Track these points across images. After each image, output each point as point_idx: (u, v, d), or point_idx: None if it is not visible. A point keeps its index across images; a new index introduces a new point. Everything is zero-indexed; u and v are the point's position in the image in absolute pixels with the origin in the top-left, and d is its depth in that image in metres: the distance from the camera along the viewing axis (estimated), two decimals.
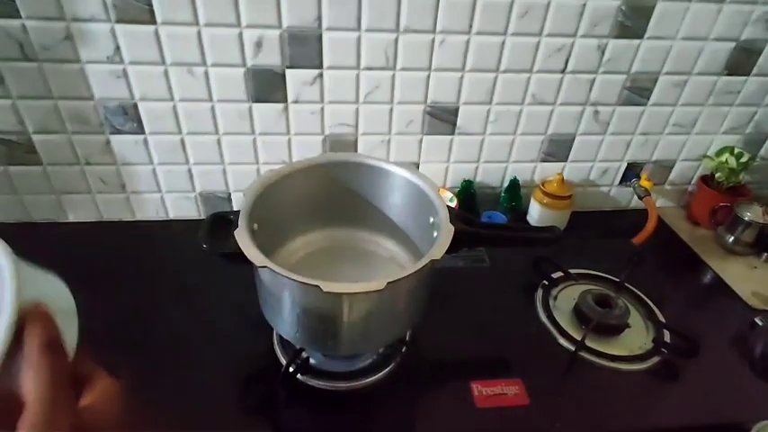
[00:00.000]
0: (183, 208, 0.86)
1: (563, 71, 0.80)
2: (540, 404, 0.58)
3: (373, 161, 0.63)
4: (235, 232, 0.49)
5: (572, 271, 0.77)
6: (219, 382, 0.58)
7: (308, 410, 0.57)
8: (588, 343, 0.64)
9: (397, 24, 0.71)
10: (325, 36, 0.71)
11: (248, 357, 0.62)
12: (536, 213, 0.89)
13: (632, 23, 0.76)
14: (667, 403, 0.59)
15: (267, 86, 0.74)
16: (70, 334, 0.29)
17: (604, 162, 0.92)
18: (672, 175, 0.96)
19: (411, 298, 0.54)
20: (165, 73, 0.71)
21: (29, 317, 0.24)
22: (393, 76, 0.76)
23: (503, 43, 0.75)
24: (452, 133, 0.84)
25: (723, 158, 0.88)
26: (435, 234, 0.55)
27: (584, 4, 0.73)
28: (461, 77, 0.78)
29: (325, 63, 0.73)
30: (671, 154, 0.93)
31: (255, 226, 0.53)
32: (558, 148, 0.89)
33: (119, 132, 0.76)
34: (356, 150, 0.83)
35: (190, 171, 0.82)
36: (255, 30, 0.69)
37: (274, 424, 0.56)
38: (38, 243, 0.69)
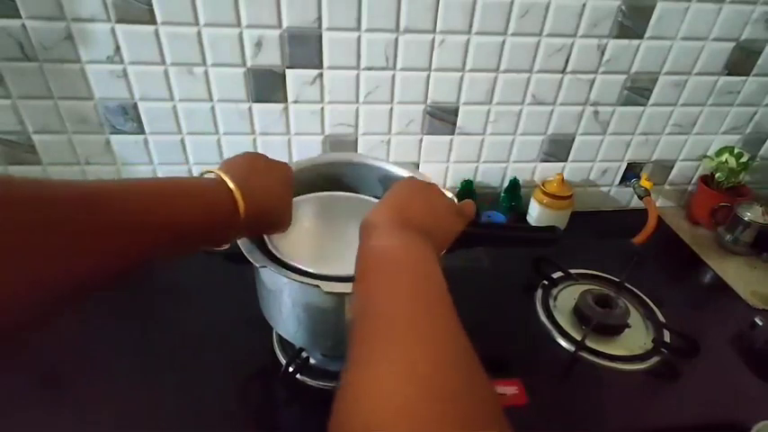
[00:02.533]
0: None
1: (563, 71, 0.80)
2: (540, 404, 0.58)
3: (373, 161, 0.63)
4: None
5: (572, 271, 0.77)
6: (219, 381, 0.58)
7: (307, 410, 0.57)
8: (588, 343, 0.64)
9: (397, 24, 0.71)
10: (325, 36, 0.71)
11: (248, 357, 0.62)
12: (536, 213, 0.89)
13: (632, 23, 0.76)
14: (667, 403, 0.59)
15: (267, 86, 0.74)
16: None
17: (604, 162, 0.92)
18: (672, 175, 0.96)
19: None
20: (165, 73, 0.71)
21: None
22: (393, 76, 0.76)
23: (503, 43, 0.75)
24: (452, 133, 0.84)
25: (723, 158, 0.88)
26: None
27: (584, 4, 0.73)
28: (461, 77, 0.78)
29: (326, 63, 0.73)
30: (671, 154, 0.93)
31: None
32: (558, 148, 0.89)
33: (119, 132, 0.76)
34: (356, 150, 0.83)
35: (190, 171, 0.82)
36: (255, 30, 0.69)
37: (274, 424, 0.56)
38: None
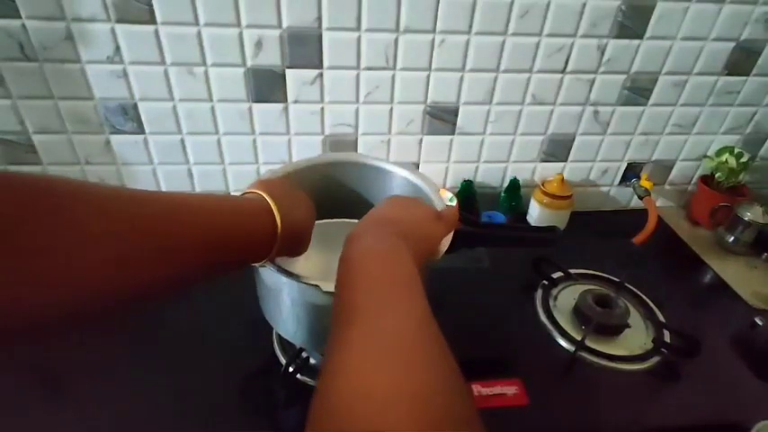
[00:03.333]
0: None
1: (563, 71, 0.80)
2: (540, 404, 0.58)
3: (373, 161, 0.63)
4: None
5: (572, 271, 0.77)
6: (219, 381, 0.58)
7: (307, 410, 0.56)
8: (588, 343, 0.64)
9: (397, 24, 0.71)
10: (325, 36, 0.71)
11: (248, 357, 0.62)
12: (536, 213, 0.89)
13: (632, 23, 0.76)
14: (667, 403, 0.59)
15: (267, 86, 0.74)
16: None
17: (604, 162, 0.92)
18: (672, 175, 0.96)
19: None
20: (165, 73, 0.71)
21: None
22: (393, 76, 0.76)
23: (503, 43, 0.75)
24: (452, 133, 0.84)
25: (723, 158, 0.88)
26: None
27: (584, 4, 0.73)
28: (461, 77, 0.78)
29: (326, 63, 0.73)
30: (671, 154, 0.93)
31: None
32: (557, 148, 0.89)
33: (119, 132, 0.76)
34: (356, 150, 0.83)
35: (190, 171, 0.82)
36: (255, 30, 0.69)
37: (274, 423, 0.56)
38: None
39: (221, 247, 0.34)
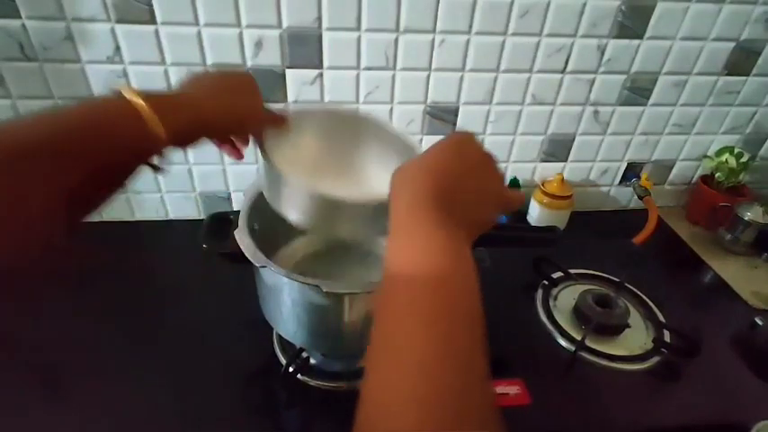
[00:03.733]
0: (183, 208, 0.86)
1: (563, 71, 0.80)
2: (542, 404, 0.58)
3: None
4: (235, 232, 0.49)
5: (572, 271, 0.77)
6: (219, 381, 0.58)
7: (308, 410, 0.57)
8: (588, 343, 0.64)
9: (397, 24, 0.71)
10: (325, 36, 0.71)
11: (248, 357, 0.62)
12: (536, 213, 0.89)
13: (632, 23, 0.76)
14: (667, 403, 0.59)
15: (267, 86, 0.74)
16: None
17: (604, 162, 0.92)
18: (672, 175, 0.96)
19: None
20: (165, 73, 0.71)
21: None
22: (393, 76, 0.76)
23: (503, 43, 0.75)
24: None
25: (723, 158, 0.88)
26: None
27: (584, 4, 0.73)
28: (461, 77, 0.78)
29: (326, 63, 0.73)
30: (671, 154, 0.93)
31: (255, 226, 0.53)
32: (557, 148, 0.89)
33: None
34: None
35: (190, 171, 0.82)
36: (255, 30, 0.69)
37: (274, 424, 0.56)
38: None
39: (104, 159, 0.33)
